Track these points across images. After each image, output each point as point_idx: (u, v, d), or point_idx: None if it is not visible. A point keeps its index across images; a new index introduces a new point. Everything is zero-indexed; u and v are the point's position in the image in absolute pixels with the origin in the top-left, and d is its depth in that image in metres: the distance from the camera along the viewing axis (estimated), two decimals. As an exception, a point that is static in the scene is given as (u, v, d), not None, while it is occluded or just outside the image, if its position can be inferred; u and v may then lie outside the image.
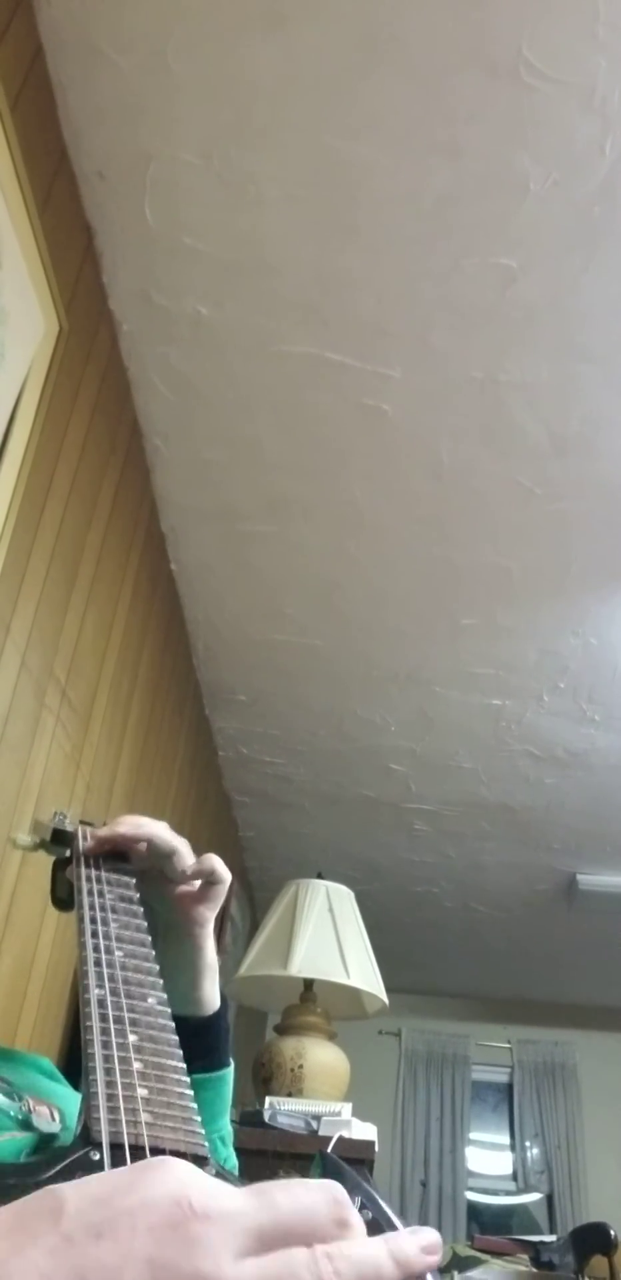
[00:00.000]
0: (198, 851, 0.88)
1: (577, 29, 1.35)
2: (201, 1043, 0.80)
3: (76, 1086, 0.80)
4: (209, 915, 0.86)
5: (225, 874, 0.85)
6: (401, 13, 1.36)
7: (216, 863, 0.85)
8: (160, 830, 0.86)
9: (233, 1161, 0.87)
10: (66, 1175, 0.45)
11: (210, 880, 0.85)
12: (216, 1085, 0.83)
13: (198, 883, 0.85)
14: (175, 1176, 0.33)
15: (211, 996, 0.86)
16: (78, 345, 1.67)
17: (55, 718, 1.72)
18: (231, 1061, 0.86)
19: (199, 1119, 0.53)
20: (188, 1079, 0.56)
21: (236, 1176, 0.59)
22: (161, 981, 0.67)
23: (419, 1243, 0.34)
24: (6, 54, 1.31)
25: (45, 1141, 0.65)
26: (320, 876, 2.71)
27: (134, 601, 2.16)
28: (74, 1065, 0.74)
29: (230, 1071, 0.86)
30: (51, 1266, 0.30)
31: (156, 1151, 0.48)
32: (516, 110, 1.45)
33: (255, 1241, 0.32)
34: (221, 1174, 0.50)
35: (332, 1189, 0.34)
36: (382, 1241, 0.33)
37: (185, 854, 0.86)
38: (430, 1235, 0.35)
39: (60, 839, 0.90)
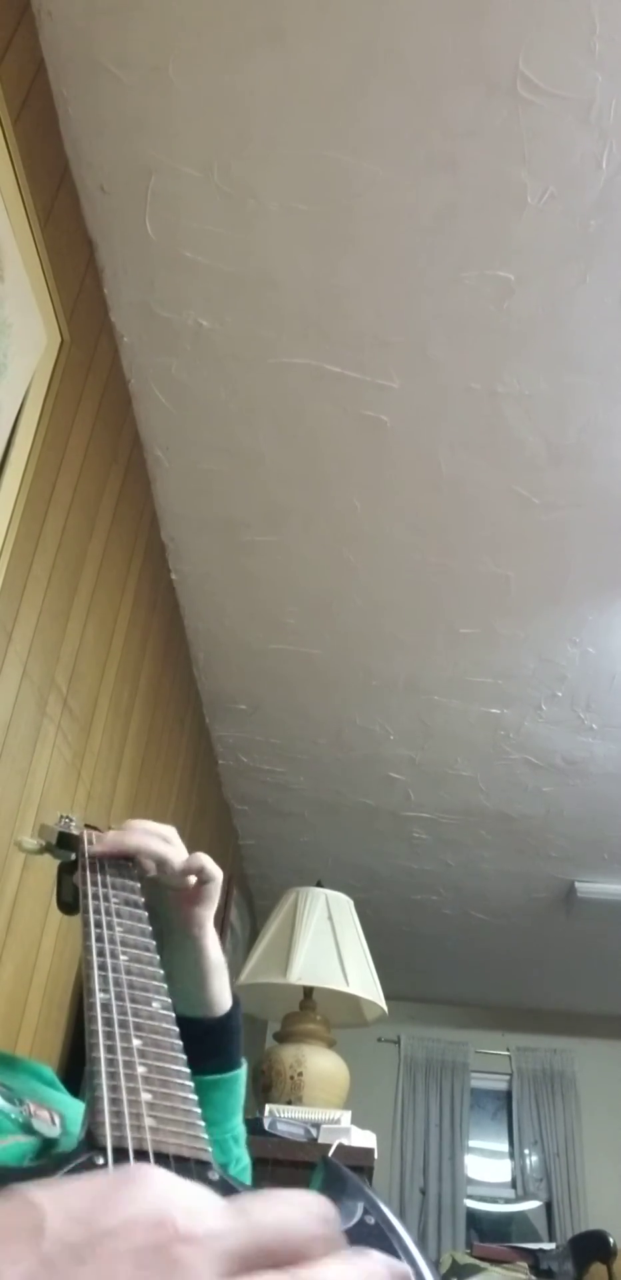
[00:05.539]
0: None
1: (574, 44, 1.37)
2: (212, 1044, 0.81)
3: (76, 1094, 0.81)
4: (205, 916, 0.87)
5: (215, 871, 0.86)
6: (400, 28, 1.37)
7: (205, 860, 0.85)
8: (157, 838, 0.86)
9: (245, 1162, 0.87)
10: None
11: (201, 878, 0.85)
12: (229, 1085, 0.84)
13: (192, 882, 0.86)
14: (157, 1192, 0.33)
15: (220, 997, 0.86)
16: (79, 357, 1.68)
17: (56, 726, 1.73)
18: (243, 1061, 0.87)
19: (202, 1123, 0.54)
20: (191, 1083, 0.57)
21: (244, 1182, 0.59)
22: (166, 985, 0.67)
23: (394, 1272, 0.33)
24: (9, 69, 1.33)
25: (47, 1146, 0.66)
26: (319, 884, 2.70)
27: (135, 611, 2.17)
28: (75, 1074, 0.75)
29: (242, 1071, 0.86)
30: None
31: (160, 1156, 0.49)
32: (514, 124, 1.46)
33: (237, 1264, 0.31)
34: (224, 1179, 0.51)
35: (315, 1205, 0.33)
36: (358, 1271, 0.32)
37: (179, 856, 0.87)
38: (404, 1268, 0.35)
39: (66, 843, 0.91)
